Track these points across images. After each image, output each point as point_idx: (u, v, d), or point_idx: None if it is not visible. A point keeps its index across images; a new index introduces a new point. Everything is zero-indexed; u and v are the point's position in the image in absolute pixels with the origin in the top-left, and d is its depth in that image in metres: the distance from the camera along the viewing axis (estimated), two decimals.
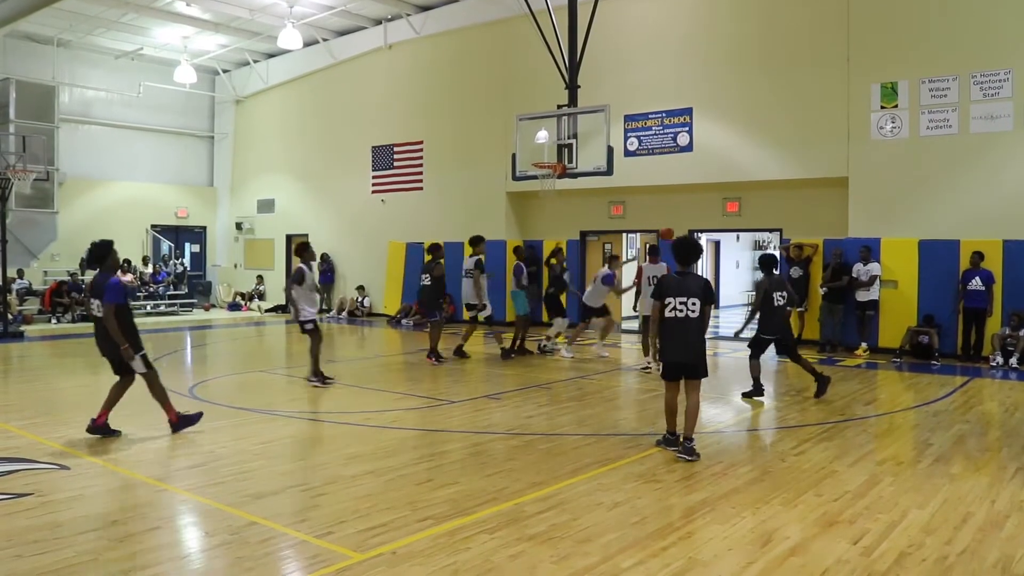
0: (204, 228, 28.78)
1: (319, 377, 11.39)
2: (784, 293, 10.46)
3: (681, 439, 7.30)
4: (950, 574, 4.66)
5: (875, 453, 7.62)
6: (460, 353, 14.26)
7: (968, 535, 5.30)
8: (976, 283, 13.86)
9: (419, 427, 8.66)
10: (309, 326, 11.35)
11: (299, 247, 11.87)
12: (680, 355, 7.27)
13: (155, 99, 26.72)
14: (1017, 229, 13.94)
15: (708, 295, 7.30)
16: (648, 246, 13.60)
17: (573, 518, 5.56)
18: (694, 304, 7.20)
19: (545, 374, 12.65)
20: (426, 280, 13.89)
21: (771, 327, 10.47)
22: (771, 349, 10.71)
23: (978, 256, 13.90)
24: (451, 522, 5.45)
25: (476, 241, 14.50)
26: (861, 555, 4.92)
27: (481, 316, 14.20)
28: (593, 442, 7.95)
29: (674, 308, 7.25)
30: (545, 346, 15.16)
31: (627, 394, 11.15)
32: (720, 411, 10.05)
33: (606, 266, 14.28)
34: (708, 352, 7.49)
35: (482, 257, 14.33)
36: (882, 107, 15.38)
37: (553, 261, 15.75)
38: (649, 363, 12.72)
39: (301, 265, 11.55)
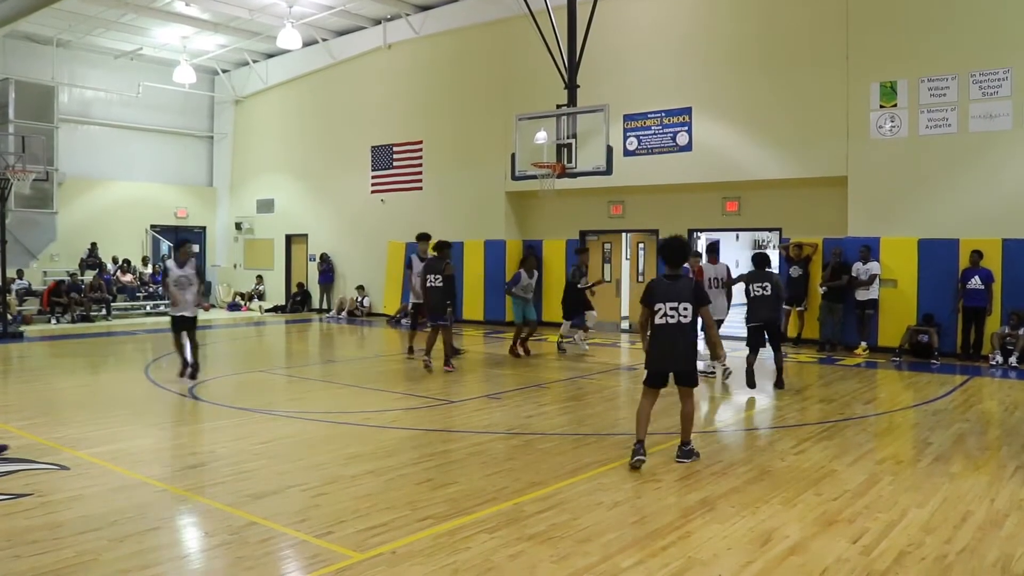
0: (204, 228, 28.77)
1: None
2: (764, 284, 11.13)
3: (679, 443, 7.17)
4: (949, 573, 4.66)
5: (875, 452, 7.61)
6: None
7: (968, 534, 5.30)
8: (975, 282, 13.86)
9: (419, 427, 8.66)
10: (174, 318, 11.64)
11: (176, 244, 12.37)
12: (671, 364, 7.01)
13: (154, 99, 26.72)
14: (1016, 228, 13.94)
15: (700, 298, 6.94)
16: (708, 244, 12.70)
17: (573, 518, 5.55)
18: (686, 309, 6.84)
19: (545, 374, 12.64)
20: (437, 281, 12.75)
21: (753, 315, 11.13)
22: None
23: (977, 255, 13.91)
24: (451, 522, 5.45)
25: (424, 237, 14.37)
26: (861, 554, 4.92)
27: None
28: (593, 442, 7.95)
29: (665, 314, 6.88)
30: (561, 344, 15.14)
31: (627, 393, 11.14)
32: (720, 410, 10.06)
33: None
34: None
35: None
36: (881, 106, 15.38)
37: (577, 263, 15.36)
38: (713, 366, 12.04)
39: (167, 263, 12.25)
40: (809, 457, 7.32)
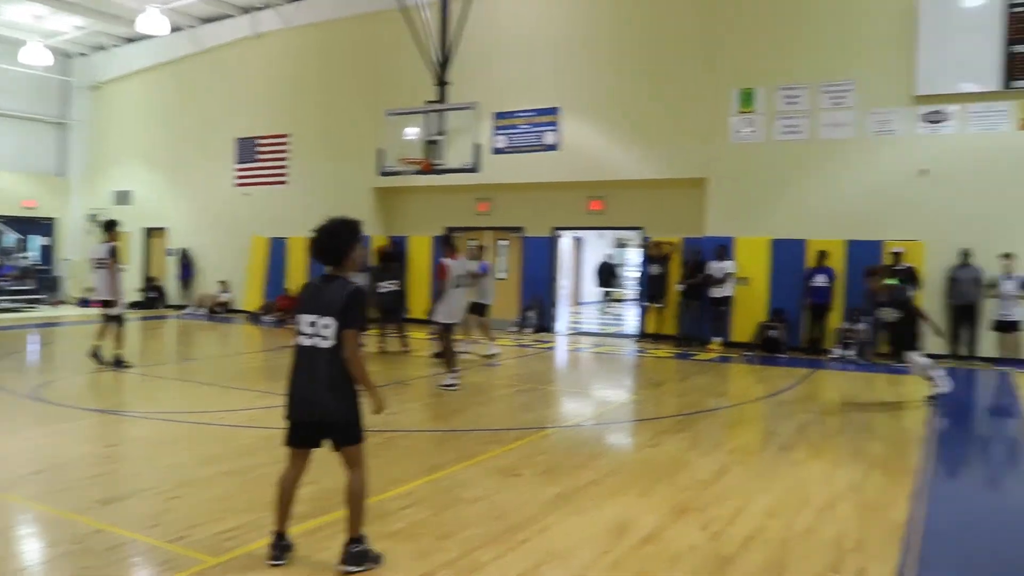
0: (52, 220, 27.17)
1: None
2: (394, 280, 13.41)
3: (346, 541, 4.62)
4: (790, 554, 4.90)
5: (726, 443, 7.93)
6: (97, 357, 12.13)
7: (808, 517, 5.58)
8: (820, 280, 14.68)
9: (279, 426, 8.41)
10: None
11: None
12: (304, 409, 4.64)
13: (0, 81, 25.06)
14: (858, 230, 14.83)
15: (351, 314, 4.51)
16: (444, 236, 11.84)
17: (433, 514, 5.54)
18: (327, 327, 4.51)
19: (407, 371, 12.57)
20: (395, 285, 14.14)
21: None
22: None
23: (822, 255, 14.69)
24: (311, 521, 5.33)
25: (110, 226, 12.39)
26: (710, 540, 5.11)
27: (113, 312, 12.20)
28: (454, 438, 7.95)
29: (301, 332, 4.63)
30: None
31: (488, 390, 11.19)
32: (579, 405, 10.25)
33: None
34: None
35: (117, 245, 12.31)
36: (740, 112, 16.03)
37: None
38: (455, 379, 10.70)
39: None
40: (664, 449, 7.54)
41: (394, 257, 15.01)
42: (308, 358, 4.57)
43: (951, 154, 14.38)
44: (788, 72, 15.65)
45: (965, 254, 13.99)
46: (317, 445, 4.70)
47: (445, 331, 10.75)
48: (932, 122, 14.56)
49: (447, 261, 10.72)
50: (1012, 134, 13.99)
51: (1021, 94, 13.92)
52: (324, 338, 4.52)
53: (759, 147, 15.90)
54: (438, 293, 10.73)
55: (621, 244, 30.15)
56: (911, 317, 10.04)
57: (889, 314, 10.04)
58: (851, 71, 15.07)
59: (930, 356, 10.57)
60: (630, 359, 14.59)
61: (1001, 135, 14.07)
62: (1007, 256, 13.46)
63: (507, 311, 18.44)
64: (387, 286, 14.04)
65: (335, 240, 4.68)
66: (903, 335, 10.08)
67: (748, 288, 15.65)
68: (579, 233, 25.73)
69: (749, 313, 15.58)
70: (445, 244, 11.05)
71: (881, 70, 14.90)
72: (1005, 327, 13.56)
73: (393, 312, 14.32)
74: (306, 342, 4.57)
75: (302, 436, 4.70)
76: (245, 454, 7.13)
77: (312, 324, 4.55)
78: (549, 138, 18.09)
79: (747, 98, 15.97)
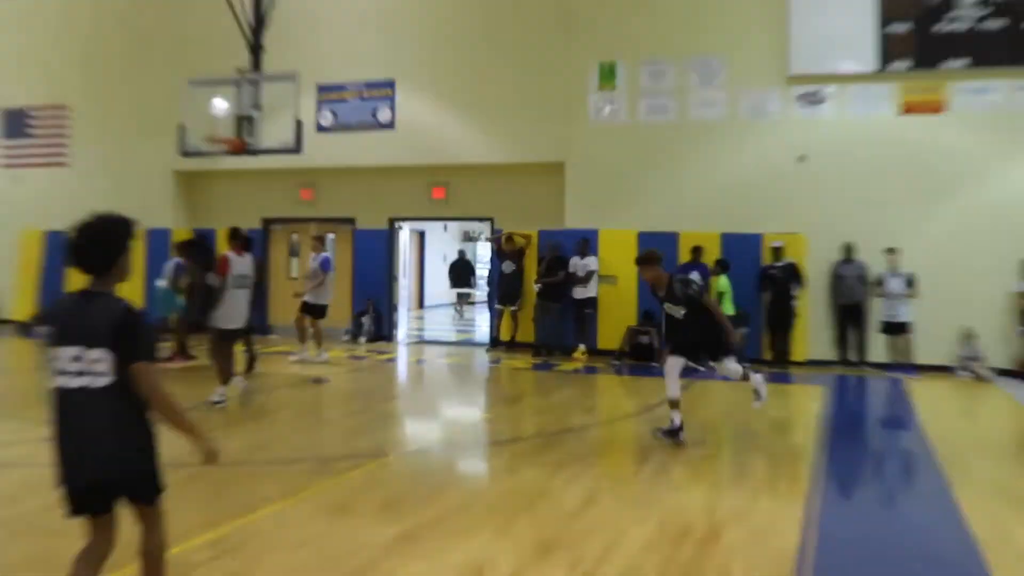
0: None
1: None
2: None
3: None
4: None
5: (594, 467, 7.99)
6: None
7: (688, 550, 5.64)
8: (694, 278, 15.05)
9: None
10: None
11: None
12: (81, 472, 3.92)
13: None
14: (734, 222, 15.35)
15: (136, 342, 3.90)
16: (231, 229, 11.37)
17: (248, 564, 5.32)
18: (98, 361, 3.84)
19: (215, 389, 12.11)
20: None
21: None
22: None
23: (696, 251, 15.08)
24: None
25: None
26: None
27: None
28: (276, 470, 7.71)
29: (62, 371, 3.88)
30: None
31: (313, 413, 10.96)
32: (423, 427, 10.14)
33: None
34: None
35: None
36: (601, 88, 16.31)
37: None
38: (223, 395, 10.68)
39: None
40: (524, 476, 7.52)
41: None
42: (79, 404, 3.88)
43: (830, 139, 15.15)
44: (652, 45, 16.06)
45: (848, 248, 14.76)
46: (110, 507, 4.02)
47: (221, 338, 10.60)
48: (809, 104, 15.25)
49: (230, 255, 10.60)
50: (893, 119, 14.85)
51: (900, 76, 14.78)
52: (97, 375, 3.85)
53: (623, 128, 16.25)
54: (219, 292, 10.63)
55: (469, 237, 30.15)
56: (705, 316, 9.21)
57: (675, 310, 9.33)
58: (720, 46, 15.61)
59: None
60: (482, 371, 14.59)
61: (882, 119, 14.92)
62: (891, 251, 14.23)
63: (337, 317, 18.11)
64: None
65: (101, 243, 4.02)
66: (706, 340, 9.30)
67: (615, 288, 15.93)
68: (421, 225, 25.65)
69: (617, 316, 15.84)
70: (233, 238, 10.89)
71: (752, 46, 15.53)
72: (893, 329, 14.32)
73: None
74: (73, 383, 3.86)
75: (88, 502, 3.99)
76: (9, 501, 6.64)
77: (76, 359, 3.86)
78: (383, 115, 17.92)
79: (608, 73, 16.29)
